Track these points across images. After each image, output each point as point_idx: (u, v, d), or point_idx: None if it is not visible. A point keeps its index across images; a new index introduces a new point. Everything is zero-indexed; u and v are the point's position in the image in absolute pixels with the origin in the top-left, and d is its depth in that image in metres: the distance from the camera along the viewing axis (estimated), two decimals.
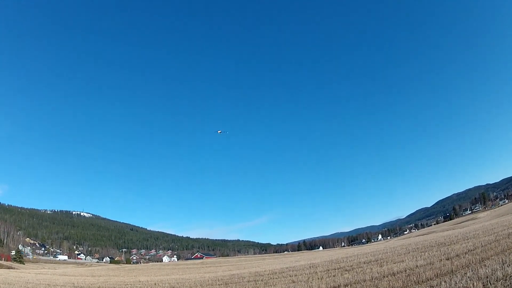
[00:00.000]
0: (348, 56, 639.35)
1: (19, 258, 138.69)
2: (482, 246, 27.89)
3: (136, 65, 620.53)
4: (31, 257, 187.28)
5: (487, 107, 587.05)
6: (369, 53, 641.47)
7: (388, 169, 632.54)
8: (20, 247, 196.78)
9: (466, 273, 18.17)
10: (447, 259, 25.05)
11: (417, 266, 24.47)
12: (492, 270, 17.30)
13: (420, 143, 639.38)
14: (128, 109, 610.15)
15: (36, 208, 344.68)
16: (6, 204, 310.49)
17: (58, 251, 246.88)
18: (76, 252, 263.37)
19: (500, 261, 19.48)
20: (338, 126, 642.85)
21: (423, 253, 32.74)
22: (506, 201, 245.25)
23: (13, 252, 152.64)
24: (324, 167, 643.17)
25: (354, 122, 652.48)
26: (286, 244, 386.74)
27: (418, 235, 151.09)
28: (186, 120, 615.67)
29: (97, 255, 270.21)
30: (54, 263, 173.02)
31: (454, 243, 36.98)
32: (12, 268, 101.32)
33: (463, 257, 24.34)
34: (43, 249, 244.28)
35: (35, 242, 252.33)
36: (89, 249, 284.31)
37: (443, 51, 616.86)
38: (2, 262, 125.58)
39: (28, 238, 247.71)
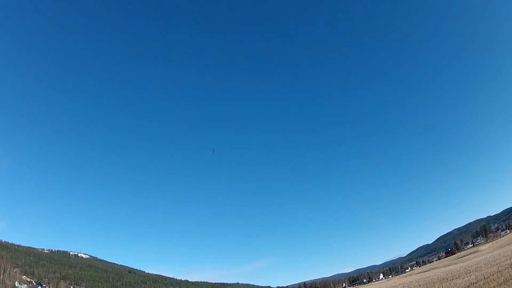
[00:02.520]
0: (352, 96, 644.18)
1: None
2: (484, 278, 26.72)
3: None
4: None
5: (484, 139, 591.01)
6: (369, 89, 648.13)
7: (387, 208, 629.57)
8: (17, 284, 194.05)
9: None
10: None
11: None
12: None
13: (418, 180, 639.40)
14: (125, 154, 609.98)
15: (33, 246, 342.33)
16: (3, 241, 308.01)
17: None
18: None
19: None
20: (336, 166, 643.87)
21: None
22: (508, 232, 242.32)
23: None
24: (323, 209, 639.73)
25: (352, 163, 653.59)
26: (287, 286, 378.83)
27: (420, 272, 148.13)
28: (185, 163, 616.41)
29: None
30: None
31: (456, 278, 35.70)
32: None
33: None
34: (39, 287, 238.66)
35: (32, 280, 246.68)
36: None
37: (441, 83, 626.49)
38: None
39: (24, 276, 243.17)
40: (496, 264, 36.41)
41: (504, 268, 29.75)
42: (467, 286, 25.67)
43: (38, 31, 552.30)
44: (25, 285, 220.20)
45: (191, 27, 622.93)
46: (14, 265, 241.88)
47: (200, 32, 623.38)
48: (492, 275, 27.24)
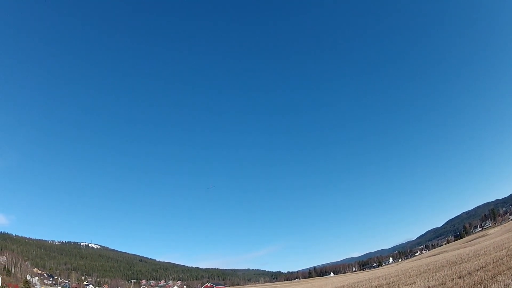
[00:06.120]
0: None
1: None
2: (493, 262, 27.57)
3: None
4: (39, 287, 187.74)
5: (492, 122, 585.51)
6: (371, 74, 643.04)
7: (396, 192, 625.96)
8: (28, 277, 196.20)
9: None
10: (459, 277, 24.78)
11: (429, 287, 24.19)
12: (504, 285, 17.12)
13: (426, 164, 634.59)
14: (136, 141, 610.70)
15: (43, 239, 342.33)
16: (14, 235, 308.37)
17: (67, 281, 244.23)
18: (85, 283, 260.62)
19: None
20: (344, 152, 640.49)
21: (434, 274, 32.36)
22: None
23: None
24: (332, 193, 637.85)
25: (360, 147, 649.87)
26: (297, 271, 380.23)
27: (429, 256, 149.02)
28: (194, 151, 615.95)
29: (106, 286, 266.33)
30: None
31: (466, 261, 36.54)
32: None
33: (475, 274, 24.07)
34: (51, 279, 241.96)
35: (43, 272, 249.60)
36: (98, 280, 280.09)
37: (444, 62, 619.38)
38: None
39: (36, 269, 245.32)
40: (505, 248, 37.17)
41: None
42: (477, 270, 26.39)
43: (52, 26, 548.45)
44: (37, 277, 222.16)
45: (189, 27, 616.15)
46: (25, 258, 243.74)
47: (198, 31, 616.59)
48: (501, 259, 28.09)
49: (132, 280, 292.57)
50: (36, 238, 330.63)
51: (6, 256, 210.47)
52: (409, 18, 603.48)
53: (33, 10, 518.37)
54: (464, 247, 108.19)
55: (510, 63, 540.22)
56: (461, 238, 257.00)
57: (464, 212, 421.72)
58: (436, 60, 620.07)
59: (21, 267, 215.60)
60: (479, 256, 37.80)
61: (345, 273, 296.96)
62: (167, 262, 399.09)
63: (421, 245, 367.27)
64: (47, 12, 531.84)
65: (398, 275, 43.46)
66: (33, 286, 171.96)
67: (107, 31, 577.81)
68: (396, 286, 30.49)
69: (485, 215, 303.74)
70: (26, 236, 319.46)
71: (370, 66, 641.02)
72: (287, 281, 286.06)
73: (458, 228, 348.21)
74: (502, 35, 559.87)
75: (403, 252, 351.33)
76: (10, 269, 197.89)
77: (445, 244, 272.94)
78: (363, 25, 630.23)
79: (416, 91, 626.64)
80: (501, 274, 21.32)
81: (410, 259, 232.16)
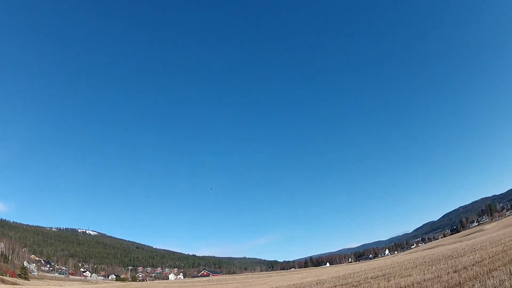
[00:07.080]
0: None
1: (24, 274, 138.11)
2: (489, 258, 27.69)
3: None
4: (36, 273, 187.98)
5: (491, 118, 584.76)
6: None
7: (394, 184, 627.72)
8: (25, 263, 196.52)
9: (474, 285, 18.05)
10: (455, 271, 24.85)
11: (424, 279, 24.27)
12: (500, 280, 17.19)
13: (425, 157, 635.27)
14: (133, 130, 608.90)
15: (41, 225, 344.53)
16: (12, 221, 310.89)
17: (64, 268, 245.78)
18: (82, 269, 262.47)
19: (508, 271, 19.33)
20: (343, 142, 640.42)
21: (430, 267, 32.50)
22: None
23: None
24: (329, 184, 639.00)
25: (359, 139, 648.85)
26: (293, 261, 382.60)
27: (425, 249, 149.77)
28: (192, 140, 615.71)
29: (102, 273, 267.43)
30: (60, 280, 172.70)
31: (462, 256, 36.68)
32: (16, 284, 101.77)
33: (471, 269, 24.17)
34: (48, 266, 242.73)
35: (40, 259, 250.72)
36: (95, 266, 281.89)
37: (444, 58, 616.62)
38: (7, 278, 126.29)
39: (33, 255, 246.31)
40: (501, 244, 37.34)
41: (509, 247, 30.68)
42: (472, 264, 26.48)
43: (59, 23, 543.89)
44: (34, 264, 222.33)
45: (189, 25, 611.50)
46: (22, 245, 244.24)
47: (198, 29, 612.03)
48: (497, 255, 28.22)
49: (129, 267, 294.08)
50: (34, 225, 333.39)
51: (3, 243, 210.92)
52: (408, 16, 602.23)
53: (32, 7, 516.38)
54: (461, 241, 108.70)
55: (508, 60, 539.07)
56: (457, 232, 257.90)
57: (461, 207, 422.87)
58: (434, 57, 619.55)
59: (18, 253, 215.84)
60: (475, 251, 37.97)
61: (341, 263, 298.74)
62: (164, 250, 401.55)
63: (418, 238, 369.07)
64: (47, 8, 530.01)
65: (394, 267, 43.72)
66: (30, 272, 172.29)
67: (105, 26, 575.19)
68: (392, 278, 30.66)
69: (482, 210, 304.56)
70: (23, 223, 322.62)
71: (370, 63, 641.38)
72: (283, 270, 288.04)
73: (454, 222, 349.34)
74: (501, 34, 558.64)
75: (399, 244, 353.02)
76: (7, 256, 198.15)
77: (442, 237, 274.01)
78: (363, 21, 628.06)
79: (415, 87, 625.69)
80: (496, 269, 21.42)
81: (406, 252, 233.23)
